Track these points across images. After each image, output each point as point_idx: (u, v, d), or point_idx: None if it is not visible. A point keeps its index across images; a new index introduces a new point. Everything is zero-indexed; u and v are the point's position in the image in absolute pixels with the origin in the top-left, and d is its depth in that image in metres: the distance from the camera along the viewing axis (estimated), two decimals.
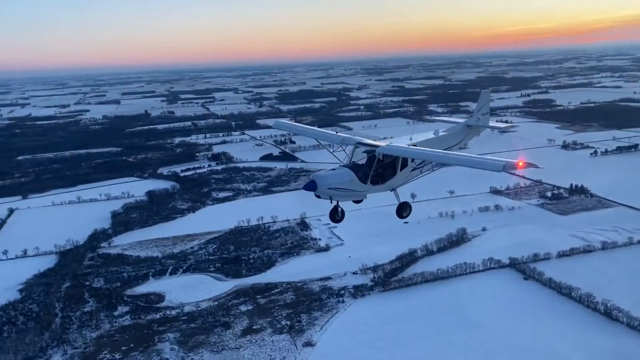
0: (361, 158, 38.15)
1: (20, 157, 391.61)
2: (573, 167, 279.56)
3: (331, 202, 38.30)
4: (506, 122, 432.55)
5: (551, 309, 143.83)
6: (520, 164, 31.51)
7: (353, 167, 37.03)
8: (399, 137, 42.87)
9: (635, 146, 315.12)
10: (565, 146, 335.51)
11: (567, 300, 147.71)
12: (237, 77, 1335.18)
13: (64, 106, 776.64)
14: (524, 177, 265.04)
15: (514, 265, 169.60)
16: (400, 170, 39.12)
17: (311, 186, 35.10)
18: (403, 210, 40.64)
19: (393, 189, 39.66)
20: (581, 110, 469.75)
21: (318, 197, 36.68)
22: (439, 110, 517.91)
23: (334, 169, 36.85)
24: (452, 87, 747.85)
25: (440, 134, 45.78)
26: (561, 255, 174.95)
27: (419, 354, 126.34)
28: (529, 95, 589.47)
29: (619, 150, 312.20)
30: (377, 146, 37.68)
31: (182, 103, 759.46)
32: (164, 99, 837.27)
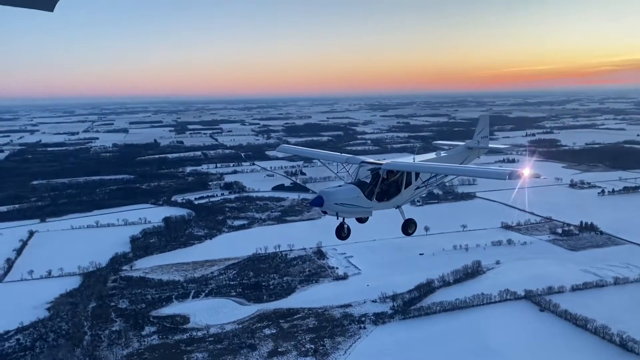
0: (365, 176, 39.04)
1: (35, 182, 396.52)
2: (581, 205, 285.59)
3: (337, 219, 38.92)
4: (513, 159, 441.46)
5: (568, 340, 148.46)
6: (525, 172, 32.80)
7: (359, 184, 37.91)
8: (400, 158, 43.78)
9: None
10: (572, 185, 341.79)
11: (583, 332, 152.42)
12: (242, 110, 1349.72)
13: (72, 133, 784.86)
14: (533, 214, 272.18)
15: (529, 297, 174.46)
16: (405, 188, 39.91)
17: (318, 202, 35.84)
18: (408, 227, 41.30)
19: (398, 207, 40.38)
20: (586, 150, 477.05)
21: (324, 212, 37.37)
22: (446, 147, 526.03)
23: (340, 186, 37.49)
24: (457, 125, 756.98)
25: (442, 155, 46.99)
26: (575, 289, 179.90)
27: None
28: (533, 134, 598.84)
29: (626, 190, 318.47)
30: (381, 164, 38.78)
31: (190, 133, 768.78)
32: (172, 129, 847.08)
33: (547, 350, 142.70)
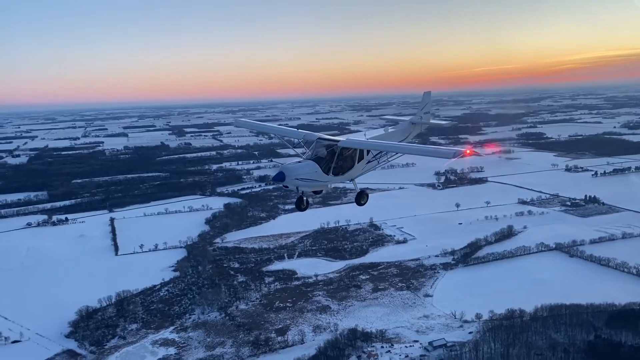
0: (322, 152, 40.48)
1: (78, 180, 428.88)
2: (580, 184, 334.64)
3: (297, 192, 42.16)
4: (508, 150, 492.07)
5: (596, 273, 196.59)
6: (468, 151, 35.38)
7: (317, 159, 39.66)
8: (354, 135, 47.20)
9: (629, 169, 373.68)
10: (568, 169, 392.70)
11: (607, 268, 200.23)
12: (225, 113, 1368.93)
13: (74, 138, 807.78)
14: (541, 192, 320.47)
15: (559, 248, 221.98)
16: (358, 162, 42.31)
17: (280, 177, 37.71)
18: (361, 198, 44.02)
19: (352, 180, 42.96)
20: (572, 141, 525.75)
21: (286, 187, 39.24)
22: (442, 142, 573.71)
23: (299, 162, 39.53)
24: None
25: (390, 130, 50.08)
26: (592, 242, 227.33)
27: (511, 298, 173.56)
28: (519, 129, 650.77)
29: (616, 172, 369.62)
30: (337, 141, 40.76)
31: (192, 136, 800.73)
32: (170, 132, 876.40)
33: (582, 278, 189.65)
